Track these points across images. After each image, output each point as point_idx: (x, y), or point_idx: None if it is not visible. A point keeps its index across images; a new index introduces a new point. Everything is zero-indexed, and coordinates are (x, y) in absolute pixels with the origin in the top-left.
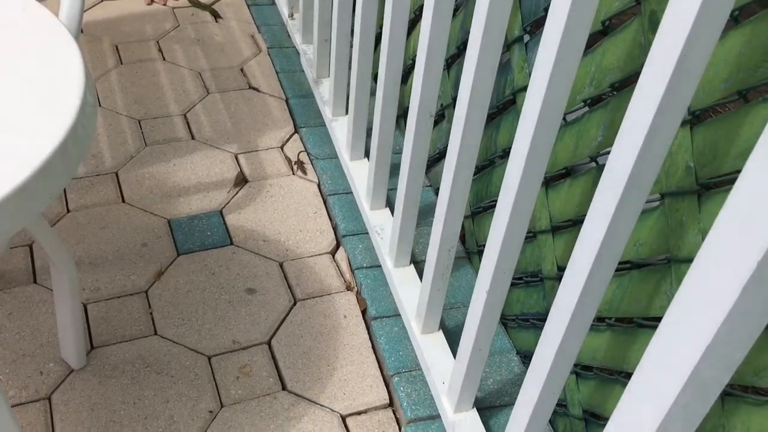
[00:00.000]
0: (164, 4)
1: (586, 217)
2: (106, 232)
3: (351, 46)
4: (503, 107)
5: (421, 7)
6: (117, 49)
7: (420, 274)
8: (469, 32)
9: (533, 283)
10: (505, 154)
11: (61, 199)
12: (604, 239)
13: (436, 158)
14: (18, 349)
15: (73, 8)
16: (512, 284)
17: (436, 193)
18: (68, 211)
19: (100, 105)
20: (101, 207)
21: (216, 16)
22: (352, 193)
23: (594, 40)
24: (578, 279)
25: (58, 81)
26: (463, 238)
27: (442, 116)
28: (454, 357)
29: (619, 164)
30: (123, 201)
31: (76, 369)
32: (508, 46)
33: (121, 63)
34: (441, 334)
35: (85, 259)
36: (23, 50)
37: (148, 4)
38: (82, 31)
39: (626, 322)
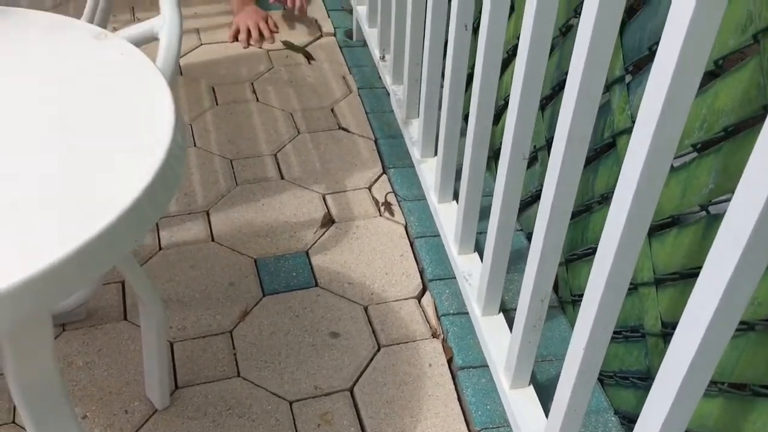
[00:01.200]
0: (260, 47)
1: (701, 273)
2: (195, 270)
3: (441, 87)
4: (601, 150)
5: (514, 47)
6: (213, 90)
7: (510, 323)
8: (565, 72)
9: (633, 338)
10: (603, 199)
11: (154, 236)
12: (722, 298)
13: (529, 201)
14: (105, 386)
15: (169, 52)
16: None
17: (528, 238)
18: (160, 248)
19: (194, 144)
20: (192, 245)
21: (309, 57)
22: (439, 235)
23: (704, 80)
24: (692, 340)
25: (148, 123)
26: (556, 287)
27: (535, 158)
28: (546, 415)
29: (741, 217)
30: (212, 239)
31: (160, 409)
32: (608, 87)
33: (217, 104)
34: (532, 389)
35: (173, 297)
36: (118, 92)
37: (245, 48)
38: (181, 74)
39: (741, 388)
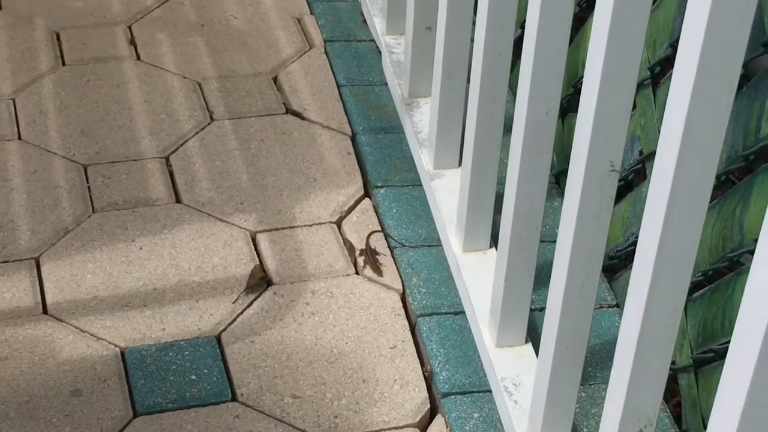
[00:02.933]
0: None
1: None
2: (11, 366)
3: (473, 42)
4: (752, 163)
5: None
6: (57, 37)
7: None
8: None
9: None
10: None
11: None
12: None
13: (628, 253)
14: None
15: None
16: None
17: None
18: None
19: (19, 137)
20: (7, 320)
21: None
22: (462, 312)
23: None
24: None
25: None
26: (677, 412)
27: (641, 174)
28: None
29: None
30: (45, 311)
31: None
32: (764, 45)
33: (63, 63)
34: None
35: None
36: None
37: None
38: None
39: None
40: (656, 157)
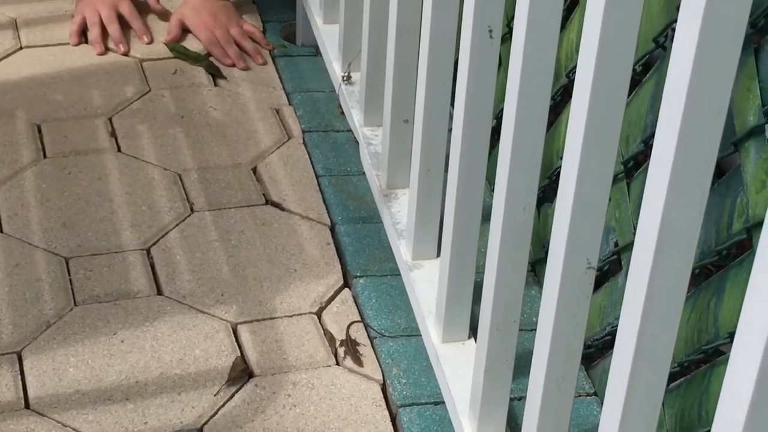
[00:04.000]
0: (126, 54)
1: None
2: None
3: (450, 133)
4: (728, 254)
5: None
6: (39, 130)
7: None
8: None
9: None
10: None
11: None
12: None
13: (605, 342)
14: None
15: None
16: None
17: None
18: None
19: (1, 230)
20: None
21: (216, 74)
22: (442, 402)
23: None
24: None
25: None
26: None
27: (617, 264)
28: None
29: None
30: (27, 405)
31: None
32: (734, 144)
33: (45, 156)
34: None
35: None
36: None
37: (100, 54)
38: None
39: None
40: (633, 251)
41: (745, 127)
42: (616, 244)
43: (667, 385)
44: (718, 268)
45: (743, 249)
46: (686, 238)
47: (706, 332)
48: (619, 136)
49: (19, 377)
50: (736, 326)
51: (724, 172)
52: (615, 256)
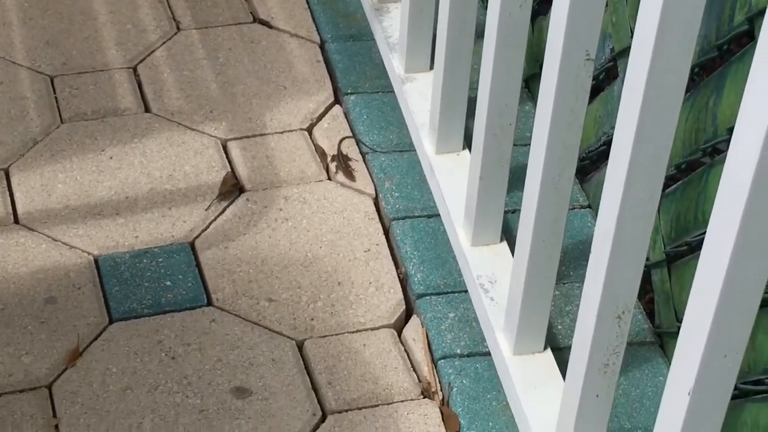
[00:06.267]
0: None
1: None
2: None
3: None
4: (728, 50)
5: None
6: None
7: (562, 367)
8: None
9: None
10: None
11: None
12: None
13: (600, 153)
14: None
15: None
16: (740, 394)
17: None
18: None
19: None
20: None
21: None
22: (437, 215)
23: None
24: None
25: None
26: (650, 309)
27: (613, 73)
28: None
29: None
30: (16, 221)
31: None
32: None
33: None
34: None
35: None
36: None
37: None
38: None
39: None
40: (631, 51)
41: None
42: (612, 50)
43: (663, 190)
44: (717, 65)
45: (742, 45)
46: (686, 34)
47: (705, 131)
48: None
49: (7, 193)
50: (735, 121)
51: None
52: (611, 63)
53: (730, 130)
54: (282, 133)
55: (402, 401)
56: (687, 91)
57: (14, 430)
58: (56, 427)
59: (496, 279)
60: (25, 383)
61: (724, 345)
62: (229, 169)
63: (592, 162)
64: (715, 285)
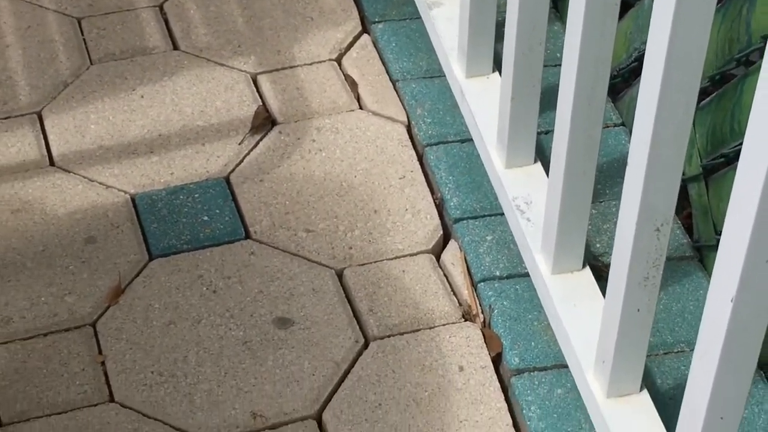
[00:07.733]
0: None
1: None
2: (22, 218)
3: None
4: None
5: None
6: None
7: (602, 285)
8: None
9: None
10: None
11: None
12: None
13: (631, 70)
14: None
15: None
16: None
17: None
18: None
19: None
20: (14, 174)
21: None
22: (470, 139)
23: None
24: None
25: None
26: (688, 224)
27: None
28: (668, 429)
29: None
30: (51, 162)
31: None
32: None
33: None
34: (645, 396)
35: None
36: None
37: None
38: None
39: None
40: None
41: None
42: None
43: (697, 103)
44: None
45: None
46: None
47: (738, 41)
48: None
49: (41, 136)
50: None
51: None
52: None
53: (765, 38)
54: (311, 64)
55: (444, 325)
56: (719, 1)
57: (62, 368)
58: (102, 363)
59: (531, 200)
60: (69, 322)
61: (765, 250)
62: (261, 103)
63: (624, 79)
64: (755, 192)
